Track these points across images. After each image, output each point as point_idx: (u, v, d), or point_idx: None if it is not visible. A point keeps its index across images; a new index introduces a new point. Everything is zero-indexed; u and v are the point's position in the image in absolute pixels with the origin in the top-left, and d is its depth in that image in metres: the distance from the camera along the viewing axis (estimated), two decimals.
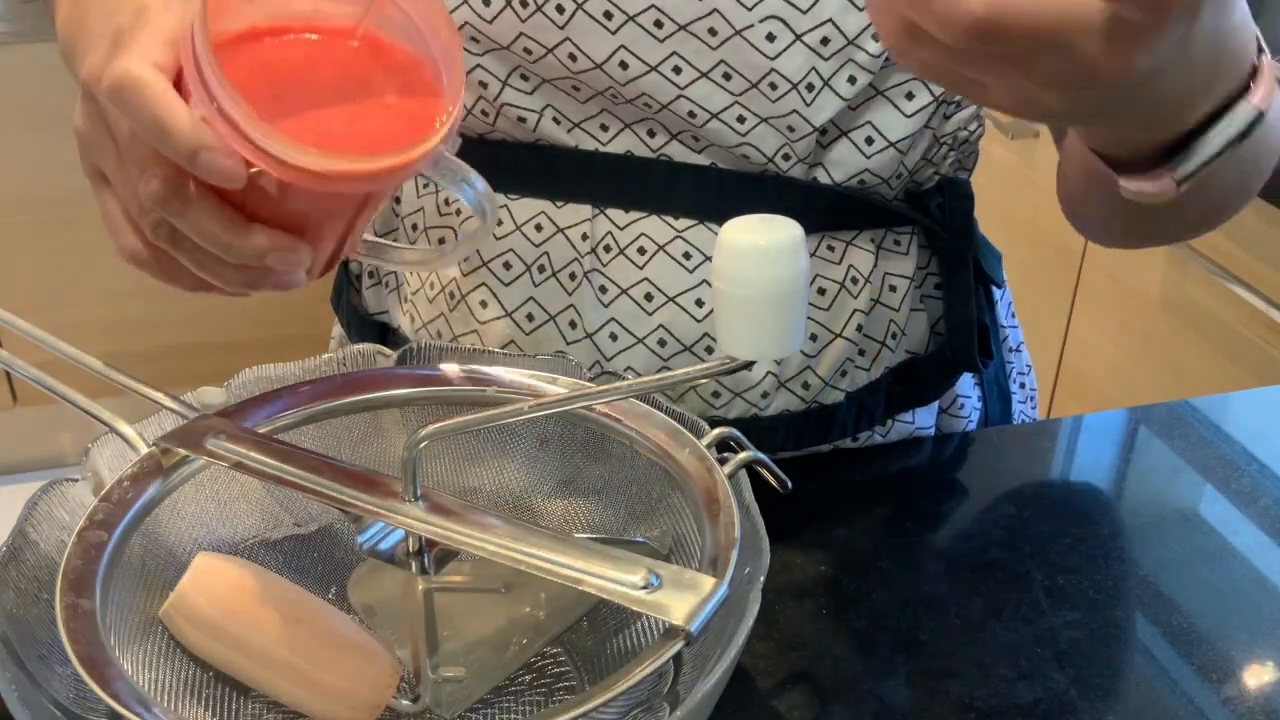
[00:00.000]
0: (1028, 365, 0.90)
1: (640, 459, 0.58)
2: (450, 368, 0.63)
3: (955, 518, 0.73)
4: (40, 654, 0.46)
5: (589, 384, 0.61)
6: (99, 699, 0.45)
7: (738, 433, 0.57)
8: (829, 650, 0.62)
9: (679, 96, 0.66)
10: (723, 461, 0.55)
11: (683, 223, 0.70)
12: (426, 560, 0.51)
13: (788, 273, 0.46)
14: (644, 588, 0.45)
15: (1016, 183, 1.84)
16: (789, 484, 0.56)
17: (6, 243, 1.96)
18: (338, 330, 0.91)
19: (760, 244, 0.46)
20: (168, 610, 0.50)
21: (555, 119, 0.69)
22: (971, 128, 0.74)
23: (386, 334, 0.82)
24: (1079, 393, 1.80)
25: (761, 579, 0.48)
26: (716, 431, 0.57)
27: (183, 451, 0.55)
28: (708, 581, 0.46)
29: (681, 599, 0.44)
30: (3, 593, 0.48)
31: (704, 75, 0.65)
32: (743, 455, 0.55)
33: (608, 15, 0.64)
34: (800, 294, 0.47)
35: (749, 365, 0.48)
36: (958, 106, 0.72)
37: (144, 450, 0.55)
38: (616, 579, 0.45)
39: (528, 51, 0.66)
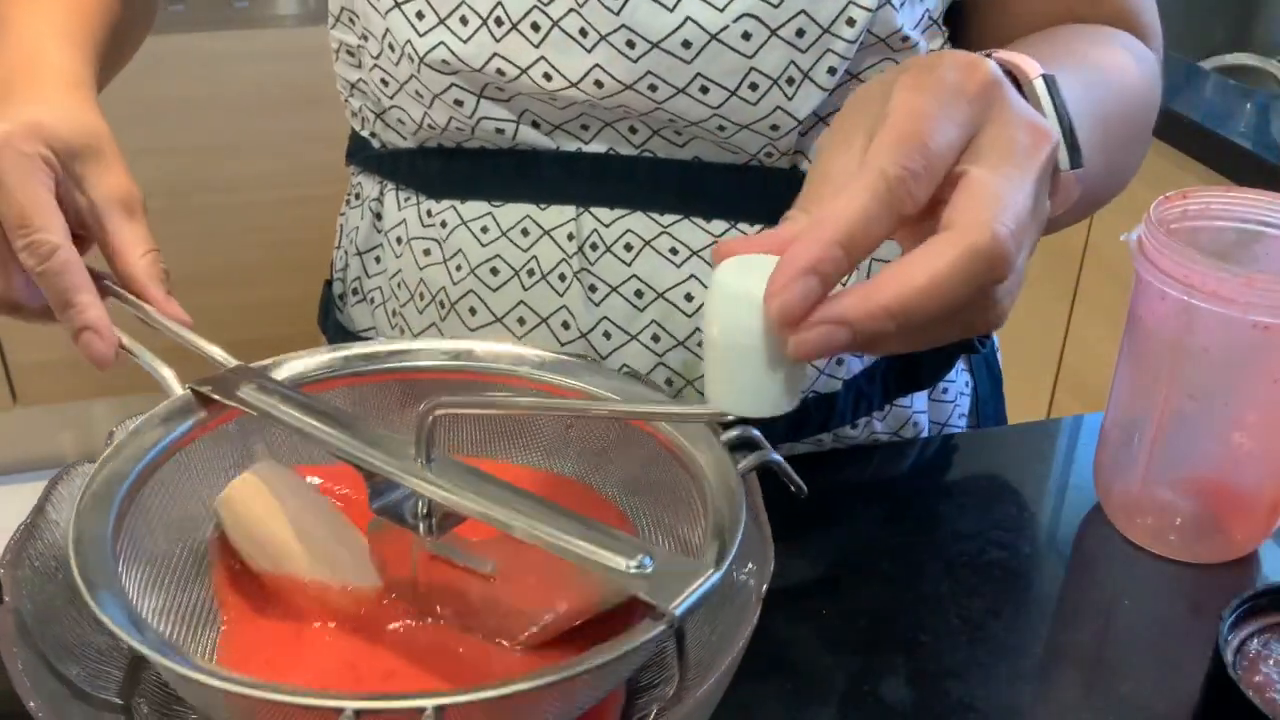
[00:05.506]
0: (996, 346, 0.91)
1: (658, 451, 0.58)
2: (486, 345, 0.63)
3: (955, 518, 0.73)
4: (54, 632, 0.47)
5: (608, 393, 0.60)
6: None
7: (757, 433, 0.56)
8: (829, 650, 0.63)
9: (657, 109, 0.66)
10: (735, 458, 0.55)
11: (668, 218, 0.70)
12: (432, 522, 0.52)
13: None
14: (636, 568, 0.45)
15: None
16: (804, 488, 0.55)
17: None
18: None
19: (755, 293, 0.43)
20: (227, 496, 0.54)
21: (534, 123, 0.69)
22: None
23: None
24: (1079, 393, 1.78)
25: (765, 582, 0.49)
26: (735, 430, 0.57)
27: (215, 397, 0.56)
28: (701, 569, 0.46)
29: (671, 583, 0.45)
30: (19, 570, 0.49)
31: (681, 91, 0.65)
32: (757, 454, 0.55)
33: (583, 33, 0.64)
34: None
35: (741, 422, 0.47)
36: None
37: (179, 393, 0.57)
38: (609, 557, 0.46)
39: (500, 73, 0.66)
